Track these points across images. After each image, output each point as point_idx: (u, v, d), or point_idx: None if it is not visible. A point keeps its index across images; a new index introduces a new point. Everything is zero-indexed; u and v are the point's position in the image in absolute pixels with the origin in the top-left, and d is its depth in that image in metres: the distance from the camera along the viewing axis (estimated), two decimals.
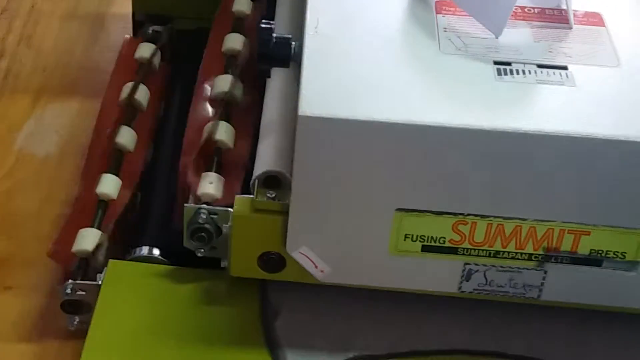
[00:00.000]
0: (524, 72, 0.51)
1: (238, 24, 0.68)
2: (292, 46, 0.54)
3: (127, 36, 0.74)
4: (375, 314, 0.54)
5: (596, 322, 0.54)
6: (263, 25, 0.54)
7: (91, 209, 0.59)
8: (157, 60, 0.70)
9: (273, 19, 0.60)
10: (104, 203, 0.59)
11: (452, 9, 0.55)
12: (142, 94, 0.66)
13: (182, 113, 0.65)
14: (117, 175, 0.61)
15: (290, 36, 0.54)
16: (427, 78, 0.51)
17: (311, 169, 0.49)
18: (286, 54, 0.54)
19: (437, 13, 0.55)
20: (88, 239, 0.56)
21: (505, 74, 0.51)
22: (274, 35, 0.54)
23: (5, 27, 0.80)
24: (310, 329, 0.53)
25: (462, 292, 0.53)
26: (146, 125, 0.66)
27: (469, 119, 0.48)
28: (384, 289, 0.54)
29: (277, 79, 0.59)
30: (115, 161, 0.62)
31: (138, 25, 0.74)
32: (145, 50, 0.70)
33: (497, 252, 0.52)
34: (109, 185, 0.60)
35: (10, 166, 0.69)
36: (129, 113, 0.65)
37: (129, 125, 0.64)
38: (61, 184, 0.67)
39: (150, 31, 0.73)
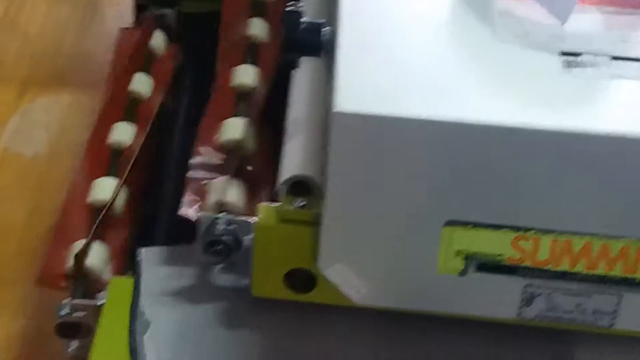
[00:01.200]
0: (595, 64, 0.51)
1: (258, 7, 0.69)
2: (324, 32, 0.54)
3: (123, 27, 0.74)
4: None
5: None
6: (290, 9, 0.54)
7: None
8: (163, 47, 0.70)
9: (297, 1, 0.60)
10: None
11: None
12: (144, 84, 0.66)
13: (193, 108, 0.65)
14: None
15: (321, 21, 0.54)
16: (481, 70, 0.51)
17: (347, 173, 0.49)
18: (317, 41, 0.53)
19: None
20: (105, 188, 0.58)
21: (574, 66, 0.51)
22: (303, 19, 0.54)
23: None
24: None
25: (522, 318, 0.52)
26: (148, 118, 0.66)
27: (531, 118, 0.47)
28: (429, 313, 0.53)
29: (305, 70, 0.58)
30: (112, 162, 0.62)
31: (140, 8, 0.74)
32: (157, 39, 0.70)
33: (564, 273, 0.51)
34: (105, 190, 0.59)
35: None
36: (129, 106, 0.65)
37: (130, 120, 0.64)
38: (51, 190, 0.67)
39: (153, 14, 0.73)
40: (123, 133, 0.63)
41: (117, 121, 0.64)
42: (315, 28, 0.53)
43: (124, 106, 0.65)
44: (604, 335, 0.53)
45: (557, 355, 0.54)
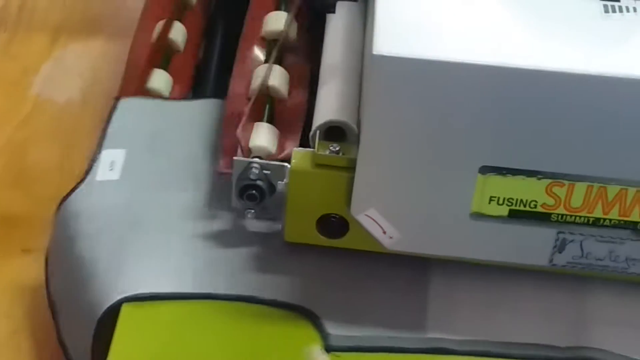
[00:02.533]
0: (635, 9, 0.50)
1: None
2: None
3: None
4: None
5: None
6: None
7: None
8: None
9: None
10: None
11: None
12: (179, 33, 0.67)
13: (226, 55, 0.65)
14: None
15: None
16: (522, 14, 0.51)
17: (384, 118, 0.49)
18: None
19: None
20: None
21: (614, 11, 0.50)
22: None
23: None
24: None
25: (554, 265, 0.53)
26: (184, 67, 0.66)
27: (571, 62, 0.47)
28: (462, 260, 0.54)
29: (341, 14, 0.59)
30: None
31: None
32: None
33: (597, 219, 0.51)
34: None
35: (27, 114, 0.70)
36: (163, 53, 0.65)
37: (164, 69, 0.65)
38: (84, 135, 0.67)
39: None
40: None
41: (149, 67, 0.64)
42: None
43: (156, 55, 0.65)
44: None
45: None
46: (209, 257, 0.55)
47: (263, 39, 0.63)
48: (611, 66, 0.47)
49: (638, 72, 0.47)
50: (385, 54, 0.47)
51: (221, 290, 0.53)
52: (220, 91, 0.63)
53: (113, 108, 0.61)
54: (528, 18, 0.50)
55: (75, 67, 0.73)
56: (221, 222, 0.57)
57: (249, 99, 0.58)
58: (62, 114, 0.70)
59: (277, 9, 0.64)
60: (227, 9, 0.71)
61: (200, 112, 0.63)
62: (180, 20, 0.67)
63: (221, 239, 0.56)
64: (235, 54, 0.63)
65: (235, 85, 0.61)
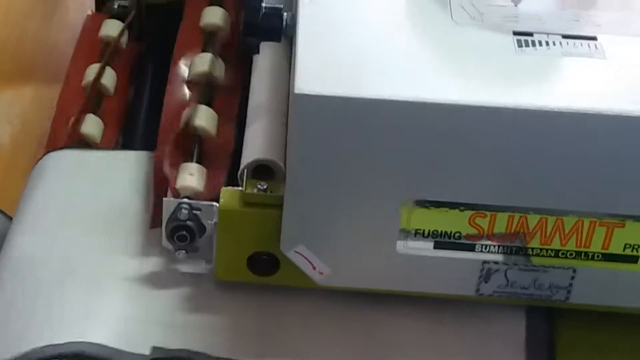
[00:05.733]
0: (547, 43, 0.52)
1: None
2: (284, 17, 0.55)
3: (90, 12, 0.74)
4: None
5: None
6: None
7: None
8: (124, 39, 0.71)
9: None
10: None
11: None
12: (109, 77, 0.67)
13: (155, 97, 0.66)
14: None
15: (281, 6, 0.55)
16: (438, 50, 0.52)
17: (309, 155, 0.50)
18: (277, 26, 0.55)
19: None
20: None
21: (527, 45, 0.52)
22: (264, 4, 0.55)
23: None
24: None
25: (481, 295, 0.54)
26: (114, 111, 0.67)
27: (487, 96, 0.49)
28: (391, 292, 0.55)
29: (266, 55, 0.60)
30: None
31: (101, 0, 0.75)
32: (111, 27, 0.71)
33: (520, 248, 0.52)
34: None
35: None
36: (94, 99, 0.66)
37: (95, 113, 0.65)
38: (14, 182, 0.67)
39: (116, 6, 0.74)
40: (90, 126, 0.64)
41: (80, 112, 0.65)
42: (275, 13, 0.55)
43: (84, 98, 0.66)
44: None
45: None
46: (139, 302, 0.55)
47: (190, 81, 0.63)
48: (524, 99, 0.49)
49: (549, 104, 0.48)
50: (306, 92, 0.48)
51: (151, 341, 0.53)
52: (150, 134, 0.63)
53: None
54: (444, 53, 0.52)
55: (5, 114, 0.73)
56: (152, 265, 0.57)
57: (176, 140, 0.59)
58: None
59: (203, 49, 0.65)
60: (155, 51, 0.71)
61: (128, 162, 0.63)
62: (110, 64, 0.68)
63: (152, 281, 0.56)
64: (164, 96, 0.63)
65: (163, 127, 0.61)
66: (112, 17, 0.72)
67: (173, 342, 0.53)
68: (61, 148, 0.63)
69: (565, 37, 0.52)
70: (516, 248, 0.52)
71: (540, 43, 0.52)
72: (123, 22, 0.71)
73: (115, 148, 0.65)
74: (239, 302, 0.55)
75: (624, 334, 0.56)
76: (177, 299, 0.55)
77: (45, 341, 0.52)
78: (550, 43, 0.52)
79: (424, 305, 0.55)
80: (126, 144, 0.66)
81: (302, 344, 0.54)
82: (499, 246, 0.52)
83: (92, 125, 0.64)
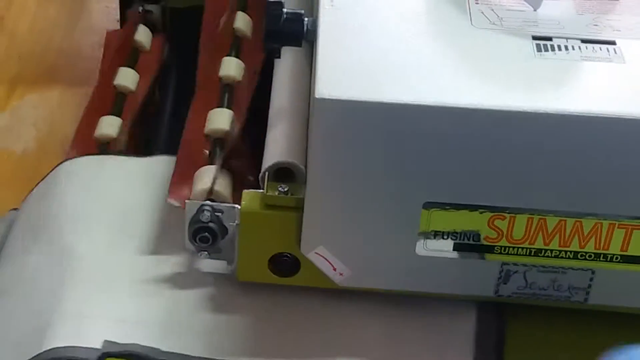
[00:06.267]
0: (566, 47, 0.52)
1: (240, 1, 0.69)
2: (305, 22, 0.55)
3: (117, 20, 0.76)
4: None
5: None
6: (273, 0, 0.55)
7: None
8: (148, 41, 0.72)
9: None
10: None
11: None
12: (129, 78, 0.68)
13: (179, 100, 0.66)
14: None
15: (302, 11, 0.56)
16: (458, 55, 0.52)
17: (329, 158, 0.51)
18: (298, 31, 0.55)
19: None
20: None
21: (546, 50, 0.52)
22: (285, 10, 0.55)
23: None
24: None
25: (500, 296, 0.54)
26: (135, 112, 0.68)
27: (507, 100, 0.49)
28: (411, 293, 0.55)
29: (287, 59, 0.60)
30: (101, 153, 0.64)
31: (126, 3, 0.76)
32: (143, 34, 0.72)
33: (539, 250, 0.53)
34: None
35: None
36: (116, 100, 0.67)
37: (116, 114, 0.66)
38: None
39: (139, 9, 0.74)
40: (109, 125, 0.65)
41: (103, 115, 0.66)
42: (296, 18, 0.55)
43: (111, 100, 0.67)
44: None
45: None
46: (161, 302, 0.55)
47: (220, 78, 0.64)
48: (541, 103, 0.49)
49: (569, 108, 0.49)
50: (327, 97, 0.49)
51: (173, 339, 0.53)
52: (174, 136, 0.64)
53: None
54: (464, 58, 0.52)
55: (32, 118, 0.74)
56: (174, 265, 0.57)
57: (200, 144, 0.59)
58: (19, 164, 0.70)
59: (228, 54, 0.66)
60: (180, 58, 0.72)
61: (149, 168, 0.63)
62: (133, 66, 0.69)
63: (175, 281, 0.57)
64: (190, 100, 0.64)
65: (188, 131, 0.62)
66: (136, 21, 0.73)
67: (191, 343, 0.53)
68: (80, 155, 0.64)
69: (584, 41, 0.53)
70: (535, 250, 0.53)
71: (559, 47, 0.53)
72: (149, 26, 0.72)
73: (138, 148, 0.66)
74: (260, 303, 0.56)
75: (571, 329, 0.56)
76: (198, 299, 0.56)
77: (61, 341, 0.52)
78: (570, 47, 0.52)
79: (383, 300, 0.55)
80: (150, 145, 0.67)
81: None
82: (518, 248, 0.53)
83: (107, 126, 0.65)
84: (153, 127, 0.68)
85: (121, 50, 0.71)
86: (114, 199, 0.61)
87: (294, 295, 0.56)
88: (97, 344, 0.52)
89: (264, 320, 0.55)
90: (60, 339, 0.52)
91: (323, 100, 0.49)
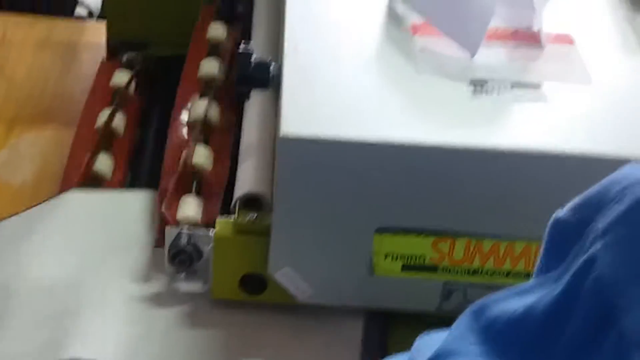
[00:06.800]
0: (499, 90, 0.53)
1: (213, 50, 0.69)
2: (271, 69, 0.55)
3: (102, 59, 0.75)
4: None
5: None
6: (242, 49, 0.56)
7: None
8: (132, 87, 0.71)
9: (248, 42, 0.62)
10: None
11: (427, 30, 0.57)
12: (119, 120, 0.68)
13: (160, 138, 0.66)
14: None
15: (269, 59, 0.56)
16: (405, 97, 0.53)
17: (292, 189, 0.51)
18: (265, 77, 0.55)
19: (413, 34, 0.57)
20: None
21: (481, 92, 0.53)
22: (253, 58, 0.56)
23: None
24: None
25: (442, 310, 0.54)
26: (123, 150, 0.67)
27: (446, 137, 0.50)
28: (365, 308, 0.55)
29: (255, 101, 0.60)
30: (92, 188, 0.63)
31: (112, 52, 0.75)
32: (121, 76, 0.71)
33: (476, 269, 0.53)
34: None
35: None
36: (105, 139, 0.66)
37: (106, 151, 0.65)
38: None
39: (125, 58, 0.74)
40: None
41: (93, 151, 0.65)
42: (264, 65, 0.56)
43: (96, 139, 0.66)
44: None
45: None
46: (142, 319, 0.55)
47: (189, 122, 0.64)
48: (477, 139, 0.50)
49: (500, 144, 0.49)
50: (290, 135, 0.49)
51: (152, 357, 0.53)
52: (155, 170, 0.63)
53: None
54: (409, 100, 0.53)
55: (29, 154, 0.73)
56: (155, 285, 0.57)
57: (177, 177, 0.59)
58: (18, 195, 0.69)
59: (201, 95, 0.65)
60: (160, 98, 0.72)
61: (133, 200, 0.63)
62: (119, 109, 0.68)
63: (155, 300, 0.56)
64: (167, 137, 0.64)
65: (166, 164, 0.61)
66: (121, 66, 0.73)
67: (171, 357, 0.53)
68: (72, 188, 0.63)
69: (514, 84, 0.53)
70: (473, 269, 0.53)
71: (492, 89, 0.53)
72: (135, 72, 0.72)
73: (124, 184, 0.66)
74: (231, 317, 0.56)
75: None
76: (175, 316, 0.55)
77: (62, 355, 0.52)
78: (501, 89, 0.53)
79: (286, 311, 0.55)
80: (134, 180, 0.66)
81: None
82: (458, 268, 0.53)
83: (103, 163, 0.65)
84: (136, 164, 0.68)
85: (104, 93, 0.70)
86: (101, 228, 0.60)
87: (262, 310, 0.56)
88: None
89: (235, 335, 0.55)
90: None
91: (287, 138, 0.49)
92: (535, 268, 0.35)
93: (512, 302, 0.34)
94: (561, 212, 0.34)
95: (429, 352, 0.34)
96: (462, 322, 0.34)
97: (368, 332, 0.55)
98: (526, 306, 0.33)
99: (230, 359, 0.54)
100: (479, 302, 0.35)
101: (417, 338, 0.37)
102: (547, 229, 0.34)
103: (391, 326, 0.56)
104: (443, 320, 0.52)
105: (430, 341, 0.35)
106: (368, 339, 0.55)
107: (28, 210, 0.63)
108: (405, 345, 0.53)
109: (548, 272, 0.34)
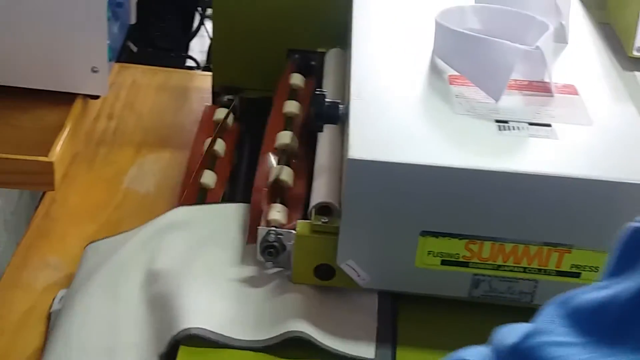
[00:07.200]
0: (518, 128, 0.54)
1: (294, 94, 0.71)
2: (340, 108, 0.57)
3: (207, 104, 0.77)
4: None
5: None
6: (318, 93, 0.58)
7: None
8: (230, 121, 0.73)
9: (322, 88, 0.64)
10: None
11: (461, 80, 0.58)
12: (220, 146, 0.70)
13: (251, 161, 0.67)
14: None
15: (339, 101, 0.57)
16: (444, 132, 0.54)
17: (356, 200, 0.52)
18: (335, 114, 0.57)
19: (450, 84, 0.58)
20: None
21: (504, 129, 0.54)
22: (326, 100, 0.57)
23: (113, 96, 0.83)
24: None
25: (472, 296, 0.54)
26: (223, 169, 0.68)
27: (476, 163, 0.50)
28: (410, 293, 0.55)
29: (326, 134, 0.61)
30: (200, 196, 0.65)
31: (216, 95, 0.77)
32: (221, 113, 0.73)
33: (499, 265, 0.53)
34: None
35: (119, 201, 0.71)
36: (209, 160, 0.68)
37: (211, 169, 0.67)
38: (158, 214, 0.68)
39: (225, 99, 0.75)
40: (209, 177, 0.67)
41: (200, 168, 0.67)
42: (334, 106, 0.57)
43: (206, 160, 0.68)
44: None
45: None
46: (241, 295, 0.56)
47: (275, 149, 0.65)
48: (502, 165, 0.50)
49: (519, 169, 0.50)
50: (356, 157, 0.50)
51: (250, 324, 0.53)
52: (248, 186, 0.64)
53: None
54: (448, 135, 0.54)
55: (152, 170, 0.75)
56: (249, 271, 0.58)
57: (267, 190, 0.60)
58: (143, 201, 0.71)
59: (285, 128, 0.67)
60: (251, 130, 0.74)
61: (231, 210, 0.63)
62: (221, 137, 0.70)
63: (249, 282, 0.57)
64: (258, 159, 0.65)
65: (257, 181, 0.62)
66: (222, 106, 0.75)
67: (262, 325, 0.53)
68: (185, 203, 0.63)
69: (530, 124, 0.54)
70: (497, 265, 0.53)
71: (513, 127, 0.54)
72: (233, 110, 0.73)
73: (223, 195, 0.66)
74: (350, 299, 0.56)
75: (449, 312, 0.55)
76: (266, 294, 0.56)
77: (180, 327, 0.52)
78: (520, 128, 0.54)
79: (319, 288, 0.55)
80: (232, 193, 0.67)
81: None
82: (485, 264, 0.53)
83: (208, 177, 0.66)
84: (232, 181, 0.69)
85: (210, 125, 0.72)
86: (207, 231, 0.61)
87: (331, 292, 0.56)
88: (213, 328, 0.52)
89: (311, 307, 0.55)
90: (186, 323, 0.52)
91: (354, 160, 0.50)
92: (606, 271, 0.33)
93: (594, 293, 0.32)
94: (637, 223, 0.32)
95: (514, 337, 0.32)
96: (548, 310, 0.32)
97: (381, 305, 0.55)
98: (608, 295, 0.31)
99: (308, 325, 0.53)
100: (563, 295, 0.33)
101: (495, 330, 0.35)
102: (622, 237, 0.32)
103: (399, 301, 0.56)
104: (438, 299, 0.54)
105: (512, 330, 0.33)
106: (382, 310, 0.55)
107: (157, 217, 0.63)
108: (410, 314, 0.54)
109: (620, 274, 0.31)
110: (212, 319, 0.53)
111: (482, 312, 0.54)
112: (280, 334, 0.52)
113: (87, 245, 0.62)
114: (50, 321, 0.58)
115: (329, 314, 0.54)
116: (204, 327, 0.52)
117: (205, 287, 0.56)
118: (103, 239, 0.63)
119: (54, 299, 0.60)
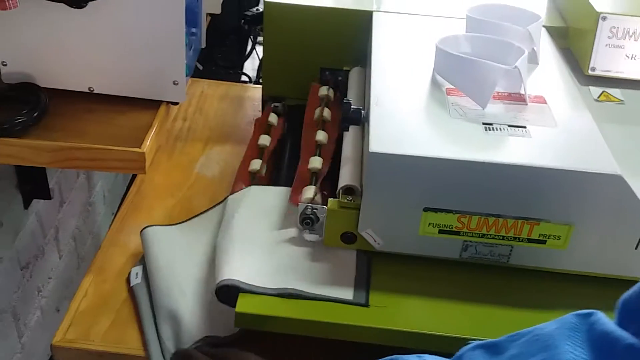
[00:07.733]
0: (500, 129, 0.53)
1: (323, 102, 0.70)
2: (362, 113, 0.56)
3: (258, 110, 0.76)
4: None
5: None
6: (345, 101, 0.57)
7: None
8: (276, 122, 0.72)
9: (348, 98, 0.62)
10: None
11: (456, 92, 0.57)
12: (266, 140, 0.68)
13: (293, 152, 0.66)
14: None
15: (361, 107, 0.56)
16: (442, 132, 0.53)
17: (374, 184, 0.51)
18: (358, 118, 0.56)
19: (447, 95, 0.57)
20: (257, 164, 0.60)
21: (489, 130, 0.53)
22: (352, 106, 0.56)
23: (187, 103, 0.83)
24: None
25: (462, 257, 0.54)
26: (270, 158, 0.67)
27: (468, 155, 0.50)
28: (415, 255, 0.54)
29: (351, 132, 0.60)
30: (252, 179, 0.64)
31: (265, 102, 0.76)
32: (270, 116, 0.73)
33: (484, 234, 0.52)
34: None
35: (192, 182, 0.71)
36: (259, 151, 0.67)
37: (259, 158, 0.67)
38: (221, 193, 0.68)
39: (272, 105, 0.75)
40: (257, 164, 0.66)
41: (252, 158, 0.66)
42: (358, 111, 0.56)
43: (257, 150, 0.68)
44: None
45: None
46: (284, 255, 0.55)
47: (310, 144, 0.63)
48: (487, 157, 0.49)
49: (500, 159, 0.49)
50: (376, 151, 0.50)
51: (290, 276, 0.52)
52: (290, 173, 0.63)
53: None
54: (446, 134, 0.53)
55: (216, 159, 0.75)
56: (289, 234, 0.57)
57: (307, 173, 0.60)
58: (210, 183, 0.71)
59: (317, 128, 0.65)
60: (292, 129, 0.73)
61: (277, 191, 0.62)
62: (268, 134, 0.70)
63: (292, 244, 0.56)
64: (299, 154, 0.63)
65: (299, 170, 0.62)
66: (270, 111, 0.74)
67: (298, 279, 0.52)
68: (243, 185, 0.62)
69: (509, 126, 0.53)
70: (482, 234, 0.52)
71: (496, 129, 0.53)
72: (278, 114, 0.73)
73: (270, 179, 0.65)
74: (337, 256, 0.55)
75: (415, 267, 0.53)
76: (303, 254, 0.56)
77: (219, 278, 0.52)
78: (502, 129, 0.53)
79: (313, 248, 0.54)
80: (277, 178, 0.66)
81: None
82: (473, 233, 0.52)
83: (258, 164, 0.65)
84: (278, 168, 0.68)
85: (261, 125, 0.72)
86: (257, 206, 0.60)
87: (322, 251, 0.55)
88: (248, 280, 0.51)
89: (339, 263, 0.55)
90: (228, 275, 0.52)
91: (374, 153, 0.50)
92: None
93: None
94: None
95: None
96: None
97: (359, 261, 0.54)
98: None
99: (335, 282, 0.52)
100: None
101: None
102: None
103: (373, 258, 0.54)
104: (405, 257, 0.51)
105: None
106: (359, 265, 0.54)
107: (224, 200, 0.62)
108: (382, 268, 0.52)
109: None
110: (242, 271, 0.53)
111: (439, 267, 0.53)
112: (284, 287, 0.52)
113: (142, 229, 0.61)
114: (135, 294, 0.57)
115: (319, 268, 0.53)
116: (236, 278, 0.52)
117: (244, 246, 0.55)
118: (153, 225, 0.61)
119: (129, 274, 0.59)
